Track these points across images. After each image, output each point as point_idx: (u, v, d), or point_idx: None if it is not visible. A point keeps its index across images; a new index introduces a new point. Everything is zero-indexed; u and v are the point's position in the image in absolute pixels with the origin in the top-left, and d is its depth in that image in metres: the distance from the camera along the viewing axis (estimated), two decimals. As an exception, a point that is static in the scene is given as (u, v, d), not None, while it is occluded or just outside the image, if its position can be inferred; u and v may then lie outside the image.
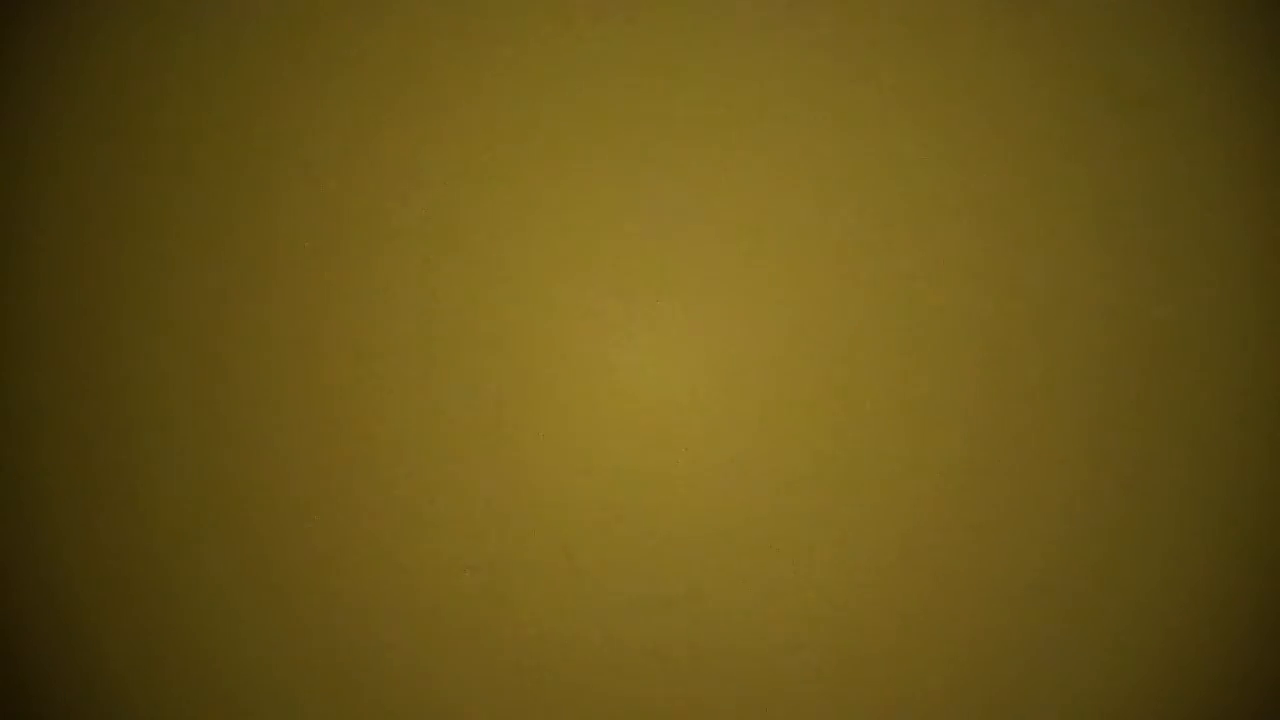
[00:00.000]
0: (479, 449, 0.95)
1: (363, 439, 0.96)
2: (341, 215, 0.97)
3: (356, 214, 0.96)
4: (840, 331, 0.94)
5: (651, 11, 0.96)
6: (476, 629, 0.95)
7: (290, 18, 0.97)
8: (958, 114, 0.94)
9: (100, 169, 0.98)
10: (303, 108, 0.97)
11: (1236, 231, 0.93)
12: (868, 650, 0.94)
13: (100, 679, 0.97)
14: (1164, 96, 0.93)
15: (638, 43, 0.96)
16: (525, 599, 0.95)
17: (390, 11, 0.97)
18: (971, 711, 0.93)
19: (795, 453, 0.94)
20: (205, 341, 0.97)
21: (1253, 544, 0.93)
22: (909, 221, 0.94)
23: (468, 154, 0.96)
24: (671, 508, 0.95)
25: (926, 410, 0.94)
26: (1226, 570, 0.93)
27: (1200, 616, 0.93)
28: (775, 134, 0.95)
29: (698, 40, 0.95)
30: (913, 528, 0.94)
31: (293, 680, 0.96)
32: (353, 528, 0.96)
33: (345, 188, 0.97)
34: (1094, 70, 0.94)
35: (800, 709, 0.94)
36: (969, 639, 0.93)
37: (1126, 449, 0.93)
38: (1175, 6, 0.94)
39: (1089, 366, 0.93)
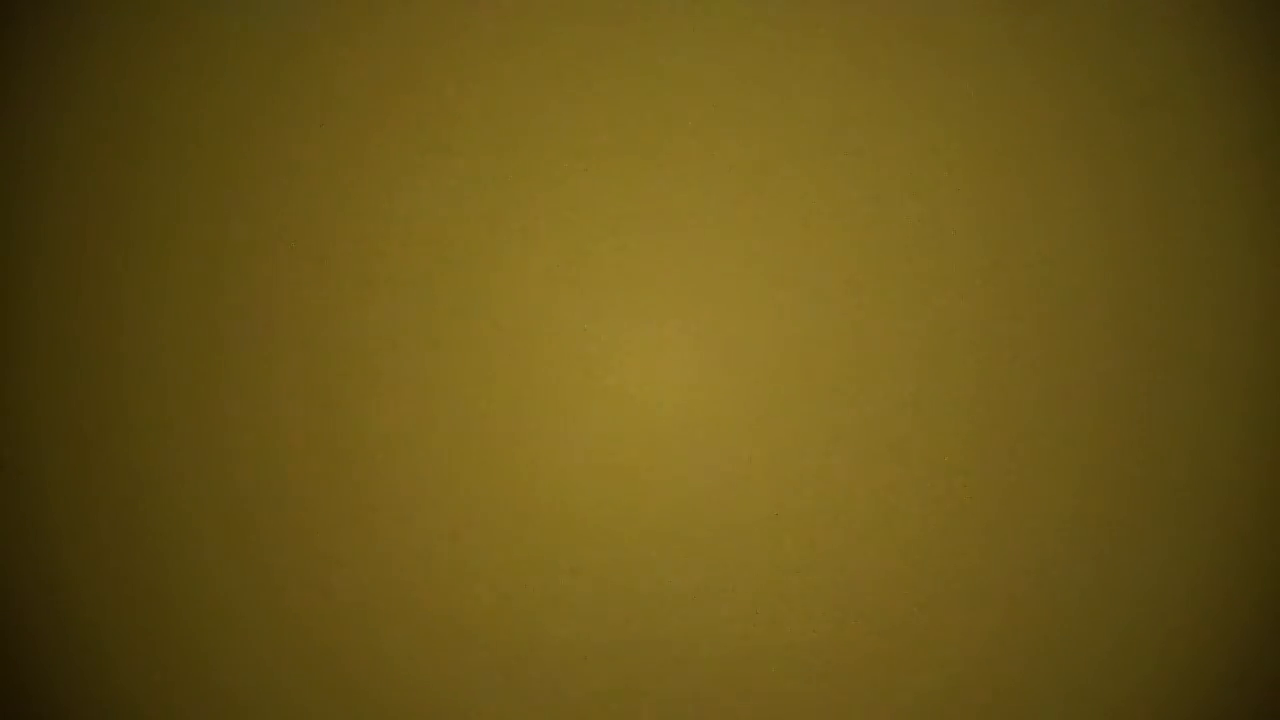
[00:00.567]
0: (479, 450, 0.95)
1: (362, 439, 0.96)
2: (341, 216, 0.97)
3: (356, 215, 0.96)
4: (841, 332, 0.94)
5: (652, 14, 0.96)
6: (477, 629, 0.95)
7: (290, 18, 0.97)
8: (958, 114, 0.94)
9: (100, 169, 0.98)
10: (303, 108, 0.97)
11: (1236, 231, 0.93)
12: (868, 650, 0.94)
13: (100, 679, 0.97)
14: (1164, 96, 0.93)
15: (639, 46, 0.96)
16: (525, 599, 0.95)
17: (390, 12, 0.97)
18: (972, 711, 0.93)
19: (796, 453, 0.94)
20: (205, 342, 0.97)
21: (1253, 544, 0.93)
22: (909, 222, 0.94)
23: (467, 156, 0.96)
24: (671, 508, 0.95)
25: (927, 410, 0.94)
26: (1227, 570, 0.93)
27: (1201, 617, 0.93)
28: (775, 134, 0.95)
29: (698, 43, 0.95)
30: (913, 528, 0.94)
31: (292, 680, 0.96)
32: (352, 528, 0.96)
33: (344, 189, 0.97)
34: (1095, 70, 0.94)
35: (801, 709, 0.94)
36: (970, 639, 0.93)
37: (1127, 449, 0.93)
38: (1175, 6, 0.94)
39: (1089, 366, 0.93)
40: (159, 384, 0.97)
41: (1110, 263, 0.93)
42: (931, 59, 0.94)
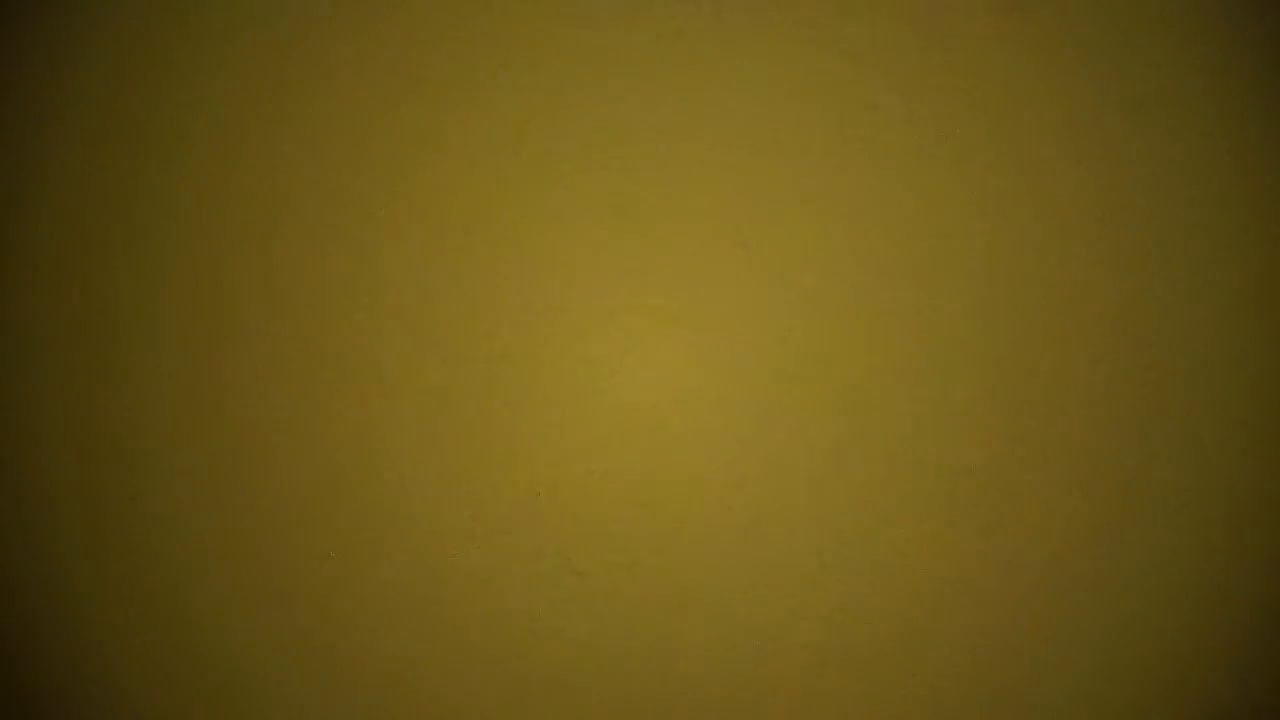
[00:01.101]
0: (480, 450, 0.95)
1: (363, 439, 0.96)
2: (341, 217, 0.96)
3: (356, 215, 0.96)
4: (841, 332, 0.94)
5: (653, 15, 0.96)
6: (478, 630, 0.95)
7: (291, 17, 0.97)
8: (958, 114, 0.94)
9: (99, 169, 0.98)
10: (303, 108, 0.97)
11: (1236, 231, 0.93)
12: (869, 651, 0.94)
13: (100, 679, 0.97)
14: (1164, 97, 0.93)
15: (639, 46, 0.96)
16: (525, 599, 0.95)
17: (391, 11, 0.97)
18: (972, 711, 0.93)
19: (796, 454, 0.94)
20: (205, 341, 0.97)
21: (1253, 545, 0.93)
22: (909, 222, 0.94)
23: (467, 156, 0.96)
24: (671, 508, 0.95)
25: (927, 411, 0.94)
26: (1227, 571, 0.93)
27: (1201, 617, 0.93)
28: (775, 135, 0.95)
29: (697, 43, 0.95)
30: (914, 529, 0.94)
31: (292, 680, 0.96)
32: (353, 528, 0.96)
33: (344, 189, 0.97)
34: (1095, 70, 0.94)
35: (801, 709, 0.94)
36: (970, 639, 0.93)
37: (1128, 449, 0.93)
38: (1175, 6, 0.94)
39: (1089, 367, 0.93)
40: (159, 383, 0.97)
41: (1110, 262, 0.93)
42: (931, 59, 0.94)
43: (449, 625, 0.95)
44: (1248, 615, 0.93)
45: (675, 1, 0.96)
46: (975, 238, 0.94)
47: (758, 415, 0.94)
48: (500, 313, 0.96)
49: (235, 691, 0.96)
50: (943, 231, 0.94)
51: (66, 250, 0.98)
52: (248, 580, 0.96)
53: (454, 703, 0.96)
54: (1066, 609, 0.93)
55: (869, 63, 0.94)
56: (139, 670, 0.97)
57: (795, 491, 0.94)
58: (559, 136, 0.96)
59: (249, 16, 0.97)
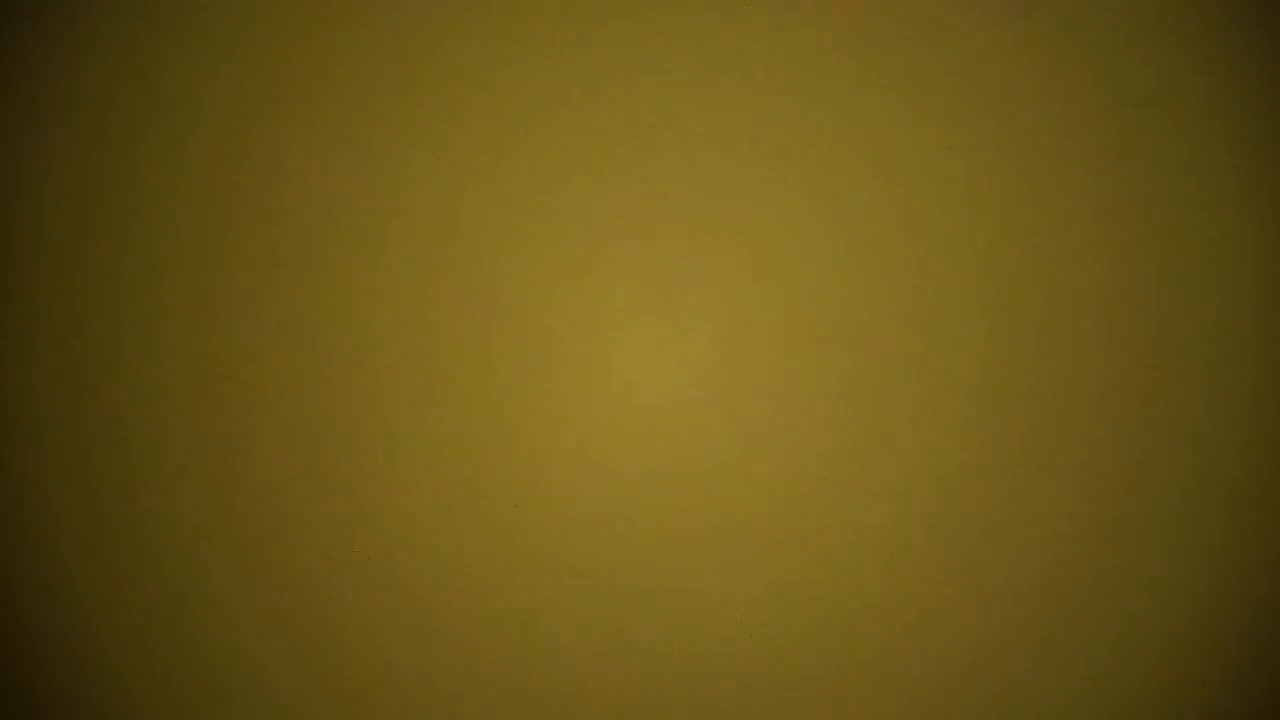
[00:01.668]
0: (481, 449, 0.95)
1: (363, 438, 0.96)
2: (341, 217, 0.97)
3: (356, 216, 0.96)
4: (841, 331, 0.94)
5: (654, 14, 0.96)
6: (478, 629, 0.95)
7: (291, 18, 0.97)
8: (958, 114, 0.94)
9: (99, 169, 0.98)
10: (302, 109, 0.97)
11: (1236, 231, 0.93)
12: (869, 650, 0.94)
13: (100, 679, 0.97)
14: (1164, 97, 0.93)
15: (644, 45, 0.96)
16: (525, 598, 0.95)
17: (391, 12, 0.97)
18: (972, 711, 0.93)
19: (796, 454, 0.94)
20: (205, 342, 0.97)
21: (1253, 545, 0.93)
22: (910, 222, 0.94)
23: (468, 155, 0.96)
24: (671, 507, 0.95)
25: (927, 410, 0.94)
26: (1227, 571, 0.93)
27: (1201, 617, 0.93)
28: (775, 133, 0.95)
29: (697, 42, 0.95)
30: (914, 528, 0.94)
31: (292, 680, 0.96)
32: (353, 528, 0.96)
33: (344, 189, 0.97)
34: (1094, 71, 0.94)
35: (801, 708, 0.94)
36: (970, 639, 0.93)
37: (1128, 449, 0.93)
38: (1175, 7, 0.94)
39: (1090, 366, 0.93)
40: (159, 383, 0.97)
41: (1110, 262, 0.93)
42: (932, 59, 0.94)
43: (449, 625, 0.95)
44: (1248, 615, 0.93)
45: (676, 2, 0.96)
46: (976, 238, 0.94)
47: (758, 415, 0.94)
48: (500, 313, 0.96)
49: (235, 691, 0.96)
50: (943, 231, 0.94)
51: (66, 250, 0.98)
52: (247, 580, 0.96)
53: (454, 702, 0.96)
54: (1066, 609, 0.93)
55: (870, 63, 0.94)
56: (139, 670, 0.97)
57: (796, 491, 0.94)
58: (559, 137, 0.96)
59: (249, 17, 0.97)
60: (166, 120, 0.98)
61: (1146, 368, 0.93)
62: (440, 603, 0.95)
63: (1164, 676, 0.93)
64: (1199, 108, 0.93)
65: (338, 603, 0.96)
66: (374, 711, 0.96)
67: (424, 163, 0.96)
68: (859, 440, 0.94)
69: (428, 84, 0.96)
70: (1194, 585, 0.93)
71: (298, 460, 0.96)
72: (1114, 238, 0.93)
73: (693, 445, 0.95)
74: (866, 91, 0.94)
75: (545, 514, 0.95)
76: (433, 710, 0.96)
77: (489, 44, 0.96)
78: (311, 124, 0.97)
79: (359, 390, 0.96)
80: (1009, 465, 0.93)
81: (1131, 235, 0.93)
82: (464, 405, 0.95)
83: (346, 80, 0.97)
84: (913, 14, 0.94)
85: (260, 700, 0.96)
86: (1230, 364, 0.93)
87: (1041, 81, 0.94)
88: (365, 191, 0.96)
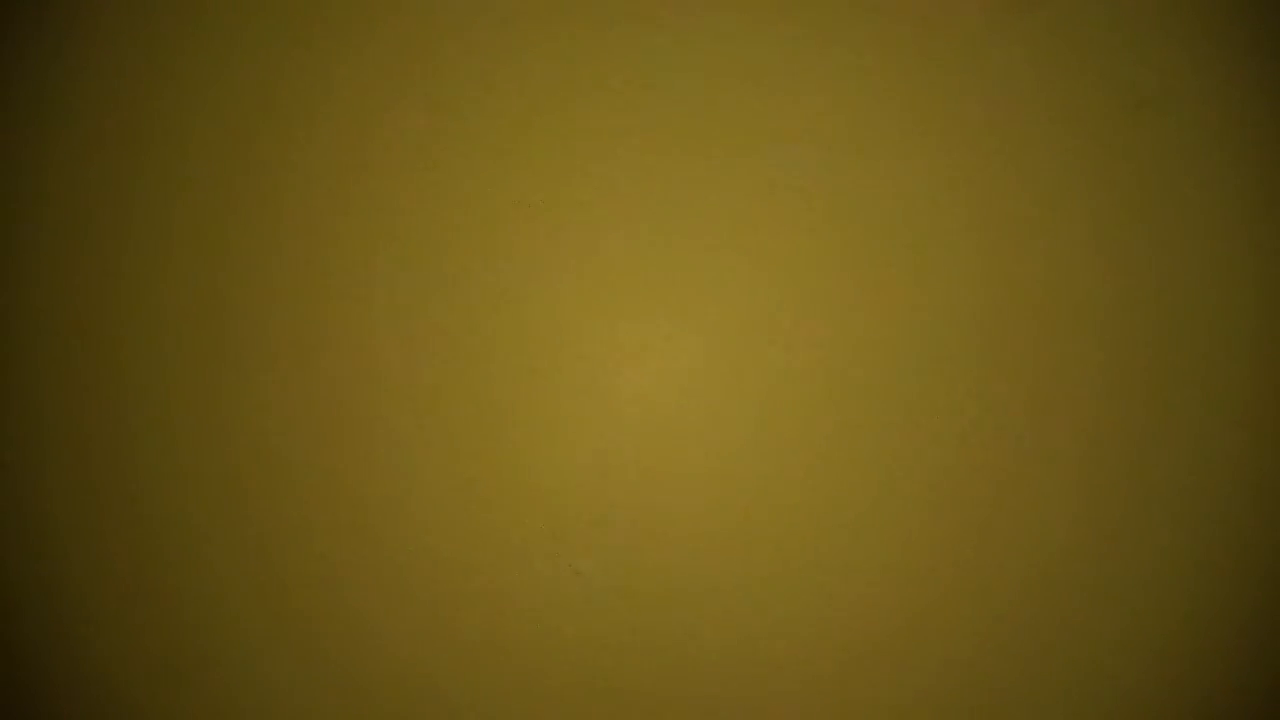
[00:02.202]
0: (482, 449, 0.95)
1: (363, 438, 0.96)
2: (341, 217, 0.97)
3: (356, 215, 0.96)
4: (839, 331, 0.94)
5: (653, 17, 0.96)
6: (478, 629, 0.95)
7: (291, 18, 0.97)
8: (958, 115, 0.94)
9: (100, 169, 0.98)
10: (303, 108, 0.97)
11: (1236, 232, 0.93)
12: (868, 649, 0.94)
13: (100, 679, 0.97)
14: (1164, 98, 0.93)
15: (645, 47, 0.96)
16: (525, 598, 0.95)
17: (392, 12, 0.97)
18: (972, 712, 0.93)
19: (794, 452, 0.94)
20: (206, 341, 0.97)
21: (1253, 545, 0.93)
22: (909, 222, 0.94)
23: (468, 155, 0.96)
24: (670, 507, 0.95)
25: (926, 410, 0.94)
26: (1227, 571, 0.93)
27: (1201, 617, 0.93)
28: (773, 134, 0.95)
29: (695, 44, 0.95)
30: (912, 527, 0.94)
31: (293, 680, 0.96)
32: (353, 528, 0.96)
33: (344, 189, 0.97)
34: (1095, 72, 0.94)
35: (800, 708, 0.94)
36: (968, 639, 0.93)
37: (1126, 449, 0.93)
38: (1176, 8, 0.94)
39: (1089, 366, 0.93)
40: (160, 384, 0.97)
41: (1110, 262, 0.93)
42: (932, 60, 0.94)
43: (449, 624, 0.95)
44: (1248, 615, 0.93)
45: (677, 3, 0.96)
46: (976, 238, 0.94)
47: (758, 415, 0.94)
48: (500, 314, 0.96)
49: (235, 691, 0.96)
50: (943, 231, 0.94)
51: (67, 251, 0.98)
52: (248, 580, 0.96)
53: (454, 702, 0.96)
54: (1066, 609, 0.93)
55: (870, 64, 0.94)
56: (139, 670, 0.97)
57: (796, 491, 0.94)
58: (559, 138, 0.96)
59: (249, 18, 0.97)
60: (167, 121, 0.98)
61: (1146, 368, 0.93)
62: (440, 602, 0.95)
63: (1164, 676, 0.93)
64: (1199, 108, 0.93)
65: (338, 603, 0.96)
66: (374, 711, 0.96)
67: (423, 164, 0.96)
68: (858, 441, 0.94)
69: (427, 86, 0.96)
70: (1194, 585, 0.93)
71: (298, 460, 0.96)
72: (1114, 238, 0.93)
73: (692, 446, 0.95)
74: (865, 91, 0.94)
75: (545, 514, 0.95)
76: (433, 709, 0.96)
77: (488, 47, 0.96)
78: (312, 124, 0.97)
79: (358, 392, 0.96)
80: (1008, 465, 0.93)
81: (1131, 235, 0.93)
82: (464, 406, 0.95)
83: (347, 80, 0.97)
84: (912, 14, 0.94)
85: (261, 700, 0.96)
86: (1230, 364, 0.93)
87: (1041, 81, 0.94)
88: (365, 192, 0.96)
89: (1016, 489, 0.93)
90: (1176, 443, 0.93)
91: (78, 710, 0.97)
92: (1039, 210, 0.94)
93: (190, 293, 0.97)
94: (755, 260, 0.95)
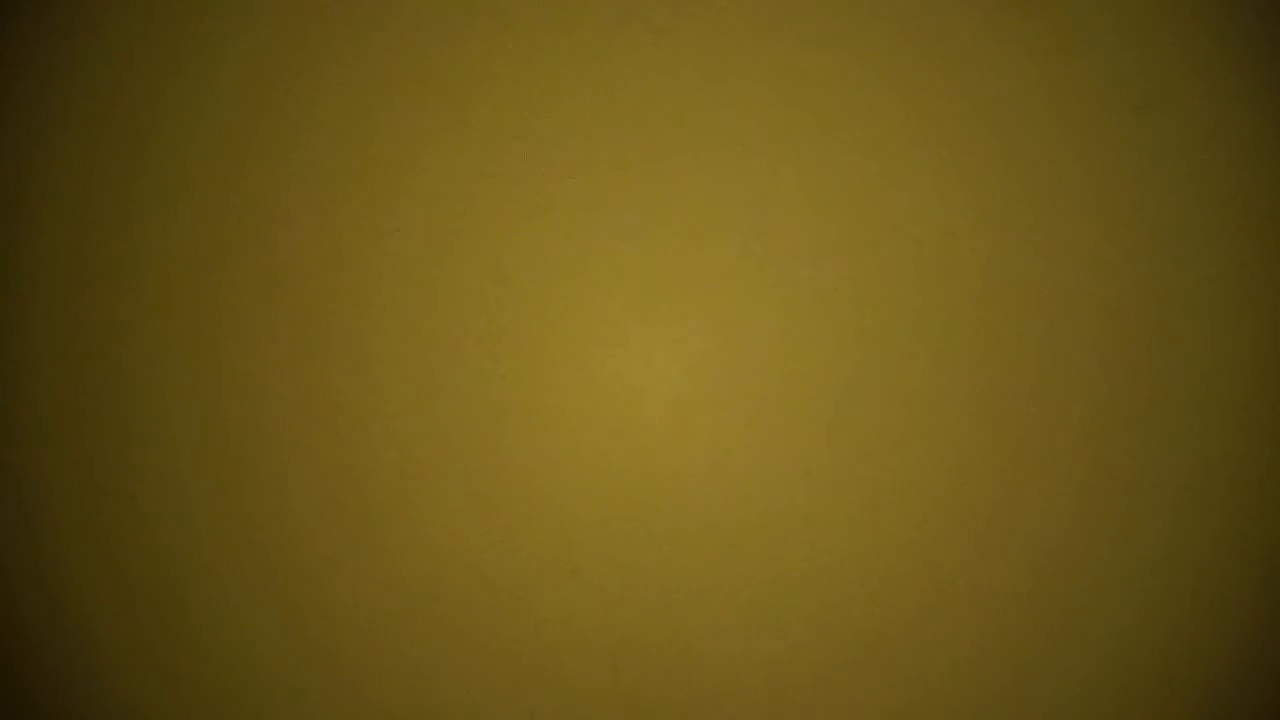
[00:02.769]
0: (481, 449, 0.95)
1: (363, 438, 0.96)
2: (341, 217, 0.96)
3: (357, 215, 0.96)
4: (840, 332, 0.94)
5: (653, 17, 0.96)
6: (478, 629, 0.95)
7: (291, 18, 0.97)
8: (958, 115, 0.94)
9: (100, 169, 0.98)
10: (303, 108, 0.97)
11: (1236, 231, 0.93)
12: (867, 650, 0.94)
13: (100, 679, 0.97)
14: (1164, 98, 0.93)
15: (644, 47, 0.96)
16: (524, 598, 0.95)
17: (391, 12, 0.97)
18: (972, 711, 0.93)
19: (796, 454, 0.94)
20: (206, 341, 0.97)
21: (1253, 545, 0.93)
22: (910, 222, 0.94)
23: (467, 156, 0.96)
24: (670, 508, 0.95)
25: (926, 410, 0.94)
26: (1227, 571, 0.93)
27: (1201, 617, 0.93)
28: (772, 134, 0.95)
29: (696, 44, 0.95)
30: (913, 528, 0.94)
31: (293, 680, 0.96)
32: (353, 528, 0.96)
33: (345, 189, 0.97)
34: (1094, 72, 0.94)
35: (801, 708, 0.94)
36: (968, 639, 0.93)
37: (1126, 450, 0.93)
38: (1175, 8, 0.94)
39: (1088, 367, 0.93)
40: (160, 383, 0.97)
41: (1110, 262, 0.93)
42: (931, 59, 0.94)
43: (449, 624, 0.95)
44: (1248, 615, 0.93)
45: (678, 3, 0.96)
46: (975, 238, 0.94)
47: (758, 416, 0.94)
48: (500, 314, 0.96)
49: (235, 691, 0.96)
50: (943, 231, 0.94)
51: (67, 250, 0.98)
52: (248, 579, 0.96)
53: (454, 701, 0.96)
54: (1066, 609, 0.93)
55: (870, 64, 0.94)
56: (139, 670, 0.97)
57: (795, 491, 0.94)
58: (559, 137, 0.96)
59: (249, 17, 0.97)
60: (168, 120, 0.98)
61: (1146, 368, 0.93)
62: (440, 603, 0.95)
63: (1163, 676, 0.93)
64: (1199, 108, 0.93)
65: (339, 603, 0.96)
66: (375, 710, 0.96)
67: (425, 164, 0.96)
68: (858, 441, 0.94)
69: (428, 85, 0.96)
70: (1194, 585, 0.93)
71: (299, 460, 0.96)
72: (1114, 238, 0.93)
73: (692, 446, 0.95)
74: (865, 92, 0.94)
75: (545, 514, 0.95)
76: (433, 709, 0.96)
77: (491, 46, 0.96)
78: (313, 124, 0.97)
79: (359, 391, 0.96)
80: (1008, 465, 0.93)
81: (1131, 235, 0.93)
82: (465, 405, 0.95)
83: (348, 80, 0.97)
84: (912, 15, 0.94)
85: (261, 700, 0.96)
86: (1230, 364, 0.93)
87: (1041, 82, 0.94)
88: (367, 191, 0.96)
89: (1017, 489, 0.93)
90: (1176, 443, 0.93)
91: (78, 710, 0.97)
92: (1039, 210, 0.94)
93: (190, 292, 0.97)
94: (757, 263, 0.95)
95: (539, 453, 0.95)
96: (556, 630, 0.95)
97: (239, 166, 0.97)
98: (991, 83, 0.94)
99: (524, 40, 0.96)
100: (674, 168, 0.95)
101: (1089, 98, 0.94)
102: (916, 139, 0.94)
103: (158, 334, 0.97)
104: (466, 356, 0.96)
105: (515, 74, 0.96)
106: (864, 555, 0.94)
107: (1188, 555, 0.93)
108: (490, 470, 0.95)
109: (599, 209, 0.95)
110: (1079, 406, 0.93)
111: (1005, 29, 0.94)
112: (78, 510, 0.97)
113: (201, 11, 0.98)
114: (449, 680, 0.96)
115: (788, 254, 0.95)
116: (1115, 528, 0.93)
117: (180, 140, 0.97)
